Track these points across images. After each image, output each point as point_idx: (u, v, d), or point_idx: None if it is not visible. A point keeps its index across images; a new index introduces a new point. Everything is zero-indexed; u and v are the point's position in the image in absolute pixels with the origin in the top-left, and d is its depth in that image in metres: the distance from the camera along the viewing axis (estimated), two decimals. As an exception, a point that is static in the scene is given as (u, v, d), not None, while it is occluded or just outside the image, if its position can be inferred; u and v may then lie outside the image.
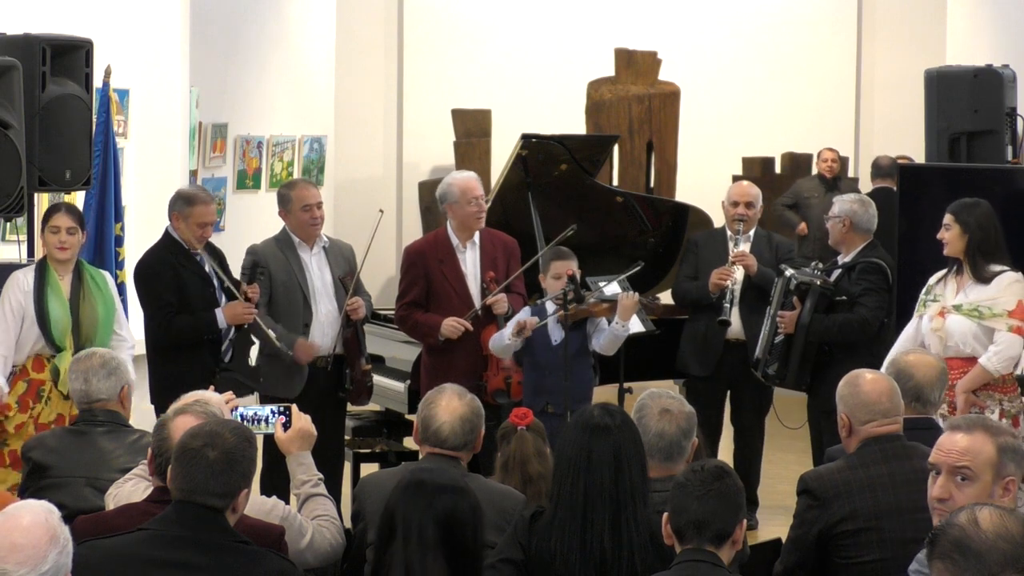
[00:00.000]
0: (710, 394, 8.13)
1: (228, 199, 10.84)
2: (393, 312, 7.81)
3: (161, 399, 6.75)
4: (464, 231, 7.32)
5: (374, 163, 13.43)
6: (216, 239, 7.58)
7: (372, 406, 8.00)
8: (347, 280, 7.37)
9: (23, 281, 6.69)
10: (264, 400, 7.14)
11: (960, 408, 6.39)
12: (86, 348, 6.09)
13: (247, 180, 11.22)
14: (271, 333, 7.07)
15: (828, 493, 4.38)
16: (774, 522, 7.91)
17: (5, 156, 6.56)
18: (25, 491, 5.11)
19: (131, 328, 7.16)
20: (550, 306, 6.97)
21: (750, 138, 13.42)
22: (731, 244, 8.08)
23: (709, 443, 7.81)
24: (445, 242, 7.34)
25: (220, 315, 7.01)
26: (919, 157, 9.30)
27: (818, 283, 7.46)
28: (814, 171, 12.61)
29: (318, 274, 7.36)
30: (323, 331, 7.31)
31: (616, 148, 11.33)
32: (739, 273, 8.01)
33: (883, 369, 5.61)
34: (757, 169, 13.01)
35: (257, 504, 4.25)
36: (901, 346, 6.61)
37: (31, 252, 7.35)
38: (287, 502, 4.57)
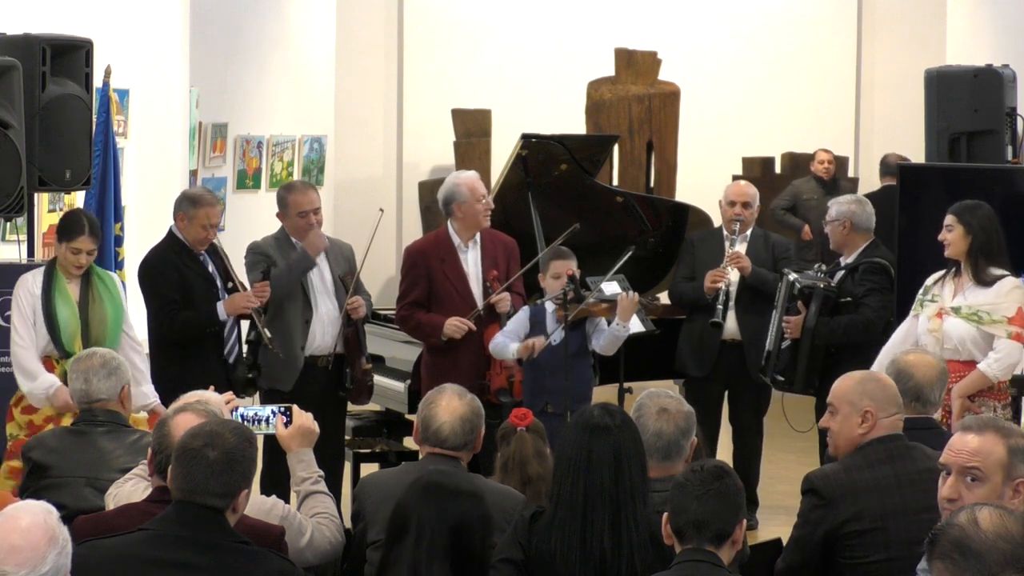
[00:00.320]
0: (708, 394, 8.13)
1: (228, 199, 10.84)
2: (393, 312, 7.81)
3: (165, 399, 6.74)
4: (468, 230, 7.32)
5: (374, 163, 13.43)
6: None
7: (372, 406, 8.00)
8: (347, 279, 7.37)
9: (32, 284, 6.64)
10: (264, 399, 7.14)
11: (955, 413, 6.36)
12: (94, 350, 6.08)
13: (247, 180, 11.23)
14: (266, 332, 7.07)
15: (834, 493, 4.36)
16: (774, 522, 7.91)
17: (5, 156, 6.56)
18: (25, 491, 5.10)
19: (134, 328, 7.15)
20: (550, 306, 6.97)
21: (750, 138, 13.42)
22: (728, 244, 8.07)
23: (708, 443, 7.81)
24: (447, 242, 7.35)
25: (221, 307, 7.03)
26: (919, 157, 9.29)
27: (821, 286, 7.46)
28: (834, 171, 12.59)
29: (318, 273, 7.36)
30: (323, 330, 7.32)
31: (616, 148, 11.33)
32: (735, 274, 8.01)
33: (882, 369, 5.61)
34: (757, 169, 13.01)
35: (257, 504, 4.25)
36: (892, 345, 6.60)
37: (31, 252, 7.35)
38: (287, 500, 4.58)
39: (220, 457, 3.74)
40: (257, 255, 7.28)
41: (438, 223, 8.74)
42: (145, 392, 6.61)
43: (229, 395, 4.88)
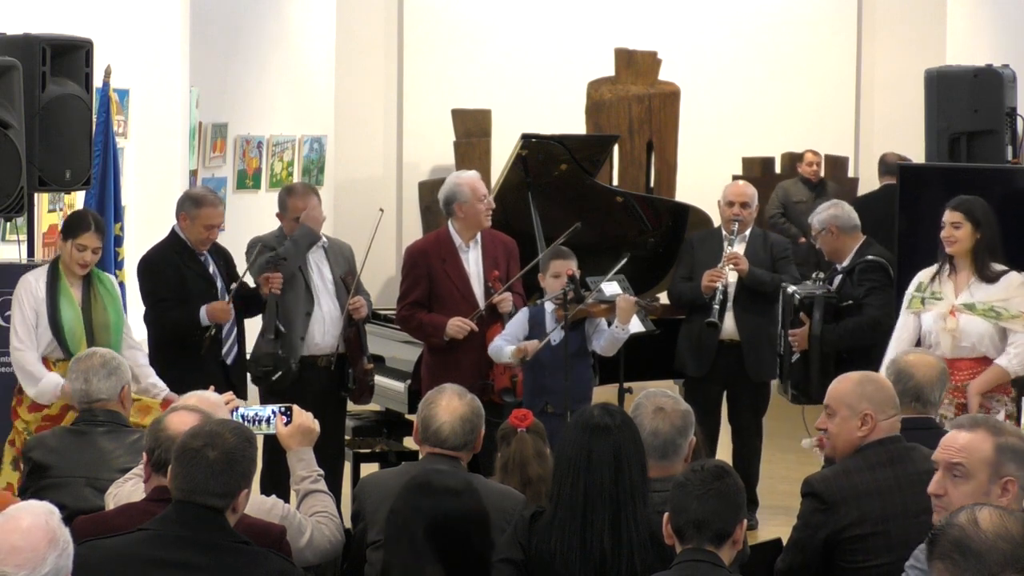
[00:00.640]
0: (707, 394, 8.13)
1: (228, 199, 10.84)
2: (393, 312, 7.81)
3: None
4: (470, 230, 7.32)
5: (374, 163, 13.43)
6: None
7: (372, 406, 8.00)
8: (348, 279, 7.38)
9: (35, 286, 6.60)
10: (264, 399, 7.15)
11: (972, 410, 6.33)
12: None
13: (247, 180, 11.23)
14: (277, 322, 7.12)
15: (835, 497, 4.35)
16: (774, 522, 7.91)
17: (5, 156, 6.56)
18: (25, 491, 5.10)
19: (132, 329, 7.15)
20: (549, 306, 6.97)
21: (750, 138, 13.42)
22: (726, 244, 8.07)
23: (708, 443, 7.80)
24: (448, 242, 7.34)
25: (203, 312, 7.03)
26: (919, 157, 9.29)
27: (820, 292, 7.45)
28: (821, 173, 12.58)
29: (318, 273, 7.36)
30: (324, 329, 7.32)
31: (616, 148, 11.34)
32: (733, 275, 8.01)
33: (883, 370, 5.60)
34: (757, 169, 13.01)
35: (257, 504, 4.25)
36: (899, 347, 6.57)
37: (31, 252, 7.35)
38: (287, 500, 4.58)
39: (220, 457, 3.74)
40: (260, 249, 7.27)
41: (438, 223, 8.73)
42: (155, 383, 6.63)
43: (229, 395, 4.89)
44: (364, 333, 7.47)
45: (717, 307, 7.90)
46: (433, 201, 8.41)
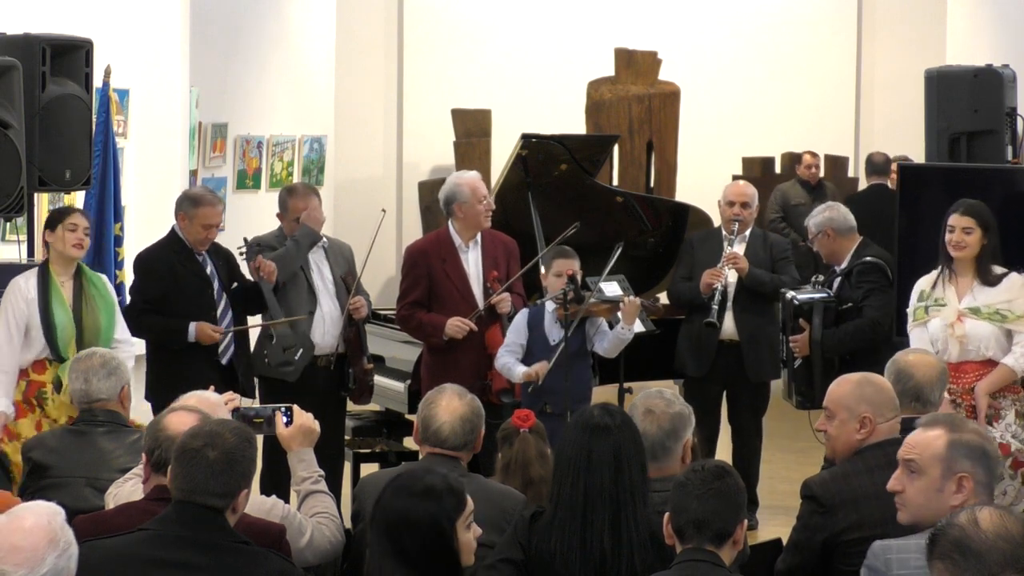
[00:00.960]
0: (707, 394, 8.12)
1: (228, 199, 10.84)
2: (393, 312, 7.81)
3: (159, 398, 6.74)
4: (470, 230, 7.31)
5: (374, 163, 13.44)
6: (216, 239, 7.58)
7: (372, 406, 8.00)
8: (348, 279, 7.38)
9: (25, 288, 6.57)
10: (265, 399, 7.15)
11: (981, 411, 6.34)
12: (88, 352, 6.06)
13: (247, 180, 11.24)
14: (281, 318, 7.13)
15: (834, 500, 4.34)
16: (774, 522, 7.91)
17: (5, 156, 6.56)
18: (25, 491, 5.11)
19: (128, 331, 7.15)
20: (550, 305, 6.97)
21: (750, 138, 13.43)
22: (726, 244, 8.06)
23: (707, 443, 7.80)
24: (447, 242, 7.34)
25: (192, 329, 7.00)
26: (919, 157, 9.29)
27: (819, 297, 7.44)
28: (821, 173, 12.58)
29: (318, 273, 7.37)
30: (324, 329, 7.32)
31: (616, 148, 11.33)
32: (733, 275, 8.00)
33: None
34: (757, 169, 13.01)
35: (257, 504, 4.25)
36: None
37: (31, 252, 7.35)
38: (287, 500, 4.57)
39: (220, 457, 3.74)
40: (252, 245, 7.29)
41: (438, 223, 8.74)
42: None
43: (229, 395, 4.88)
44: (364, 333, 7.47)
45: (716, 307, 7.89)
46: (433, 201, 8.41)
